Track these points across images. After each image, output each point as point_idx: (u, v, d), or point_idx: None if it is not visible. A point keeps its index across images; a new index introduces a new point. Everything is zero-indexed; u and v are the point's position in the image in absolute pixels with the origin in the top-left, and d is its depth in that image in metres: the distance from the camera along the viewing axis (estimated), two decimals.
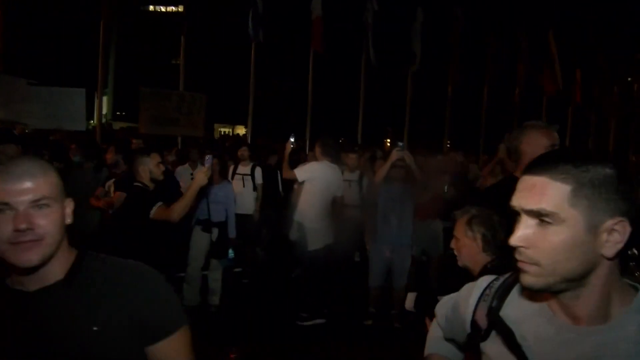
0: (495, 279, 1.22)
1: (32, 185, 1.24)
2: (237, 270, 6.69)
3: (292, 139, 5.71)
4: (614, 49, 18.27)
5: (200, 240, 5.52)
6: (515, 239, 1.01)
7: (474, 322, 1.21)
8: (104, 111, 33.69)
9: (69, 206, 1.35)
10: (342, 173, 6.66)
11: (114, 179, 5.00)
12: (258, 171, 6.81)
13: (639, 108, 22.13)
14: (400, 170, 5.31)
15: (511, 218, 1.05)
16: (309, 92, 12.90)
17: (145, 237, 3.53)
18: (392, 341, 5.09)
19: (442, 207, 6.08)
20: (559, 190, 0.97)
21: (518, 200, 1.02)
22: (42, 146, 6.42)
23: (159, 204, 3.62)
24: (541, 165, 1.01)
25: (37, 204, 1.24)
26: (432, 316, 1.99)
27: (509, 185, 1.11)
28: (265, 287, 6.56)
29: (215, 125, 29.00)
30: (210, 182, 5.23)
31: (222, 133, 29.63)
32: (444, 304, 1.50)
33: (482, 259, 2.31)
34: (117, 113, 35.85)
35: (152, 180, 3.78)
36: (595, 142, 19.16)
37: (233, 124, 29.50)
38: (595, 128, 19.37)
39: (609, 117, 19.77)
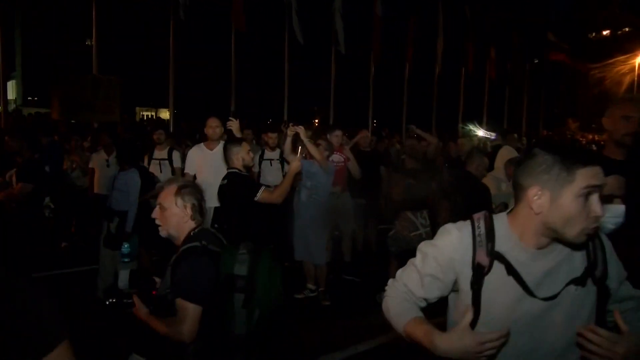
0: (477, 227, 1.57)
1: None
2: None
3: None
4: (527, 29, 19.27)
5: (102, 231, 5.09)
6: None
7: (477, 263, 1.54)
8: (13, 96, 31.43)
9: None
10: (263, 152, 6.63)
11: (15, 169, 4.64)
12: (175, 154, 6.49)
13: (548, 85, 23.53)
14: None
15: None
16: (232, 73, 12.60)
17: (251, 217, 4.03)
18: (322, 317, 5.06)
19: (352, 182, 6.17)
20: None
21: None
22: None
23: (264, 187, 4.13)
24: None
25: None
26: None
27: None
28: None
29: (137, 109, 27.78)
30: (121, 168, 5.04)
31: (144, 117, 28.49)
32: (411, 270, 1.67)
33: (188, 226, 2.42)
34: (29, 98, 33.58)
35: (244, 166, 4.20)
36: (509, 117, 20.19)
37: (156, 107, 28.36)
38: (509, 104, 20.41)
39: (522, 94, 20.88)
